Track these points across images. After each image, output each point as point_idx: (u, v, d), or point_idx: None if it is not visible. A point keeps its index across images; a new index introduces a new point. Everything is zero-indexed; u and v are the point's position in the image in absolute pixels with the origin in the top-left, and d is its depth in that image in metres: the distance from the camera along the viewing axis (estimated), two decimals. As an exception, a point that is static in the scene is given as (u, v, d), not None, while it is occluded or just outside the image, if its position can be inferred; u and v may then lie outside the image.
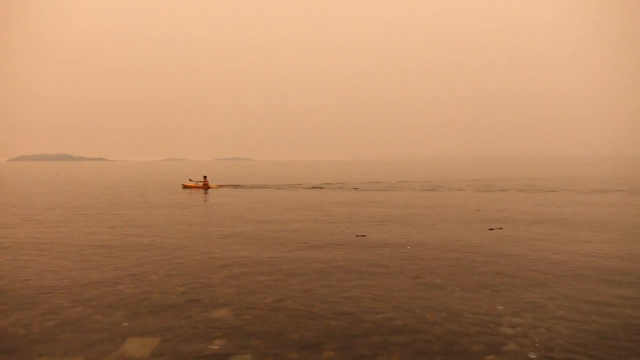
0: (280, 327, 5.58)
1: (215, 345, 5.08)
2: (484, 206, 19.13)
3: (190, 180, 33.93)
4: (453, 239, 11.22)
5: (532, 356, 4.75)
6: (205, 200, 23.07)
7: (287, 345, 5.09)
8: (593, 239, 11.13)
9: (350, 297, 6.68)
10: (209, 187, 30.49)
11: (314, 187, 32.03)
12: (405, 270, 8.21)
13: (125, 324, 5.69)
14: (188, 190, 29.60)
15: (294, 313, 6.06)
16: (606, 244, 10.56)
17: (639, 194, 25.04)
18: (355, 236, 11.78)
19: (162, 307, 6.26)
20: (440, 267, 8.42)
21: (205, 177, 31.52)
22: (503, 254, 9.44)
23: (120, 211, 17.94)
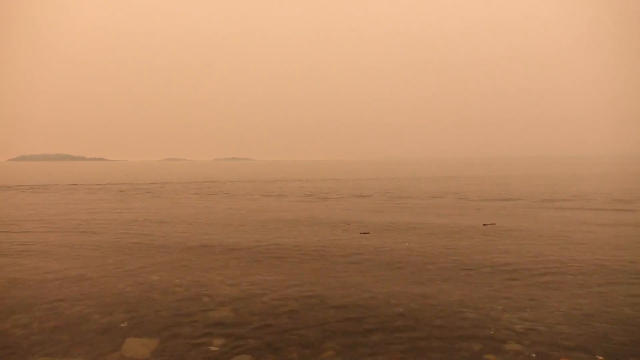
0: (280, 327, 5.57)
1: (216, 346, 5.07)
2: (479, 206, 19.11)
3: None
4: (451, 237, 11.22)
5: (533, 355, 4.73)
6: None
7: (287, 345, 5.07)
8: (593, 238, 11.12)
9: (350, 297, 6.66)
10: None
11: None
12: (405, 268, 8.20)
13: (125, 324, 5.68)
14: None
15: (294, 313, 6.05)
16: (606, 243, 10.53)
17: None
18: (359, 233, 11.89)
19: (162, 307, 6.25)
20: (440, 264, 8.40)
21: None
22: (501, 251, 9.43)
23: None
